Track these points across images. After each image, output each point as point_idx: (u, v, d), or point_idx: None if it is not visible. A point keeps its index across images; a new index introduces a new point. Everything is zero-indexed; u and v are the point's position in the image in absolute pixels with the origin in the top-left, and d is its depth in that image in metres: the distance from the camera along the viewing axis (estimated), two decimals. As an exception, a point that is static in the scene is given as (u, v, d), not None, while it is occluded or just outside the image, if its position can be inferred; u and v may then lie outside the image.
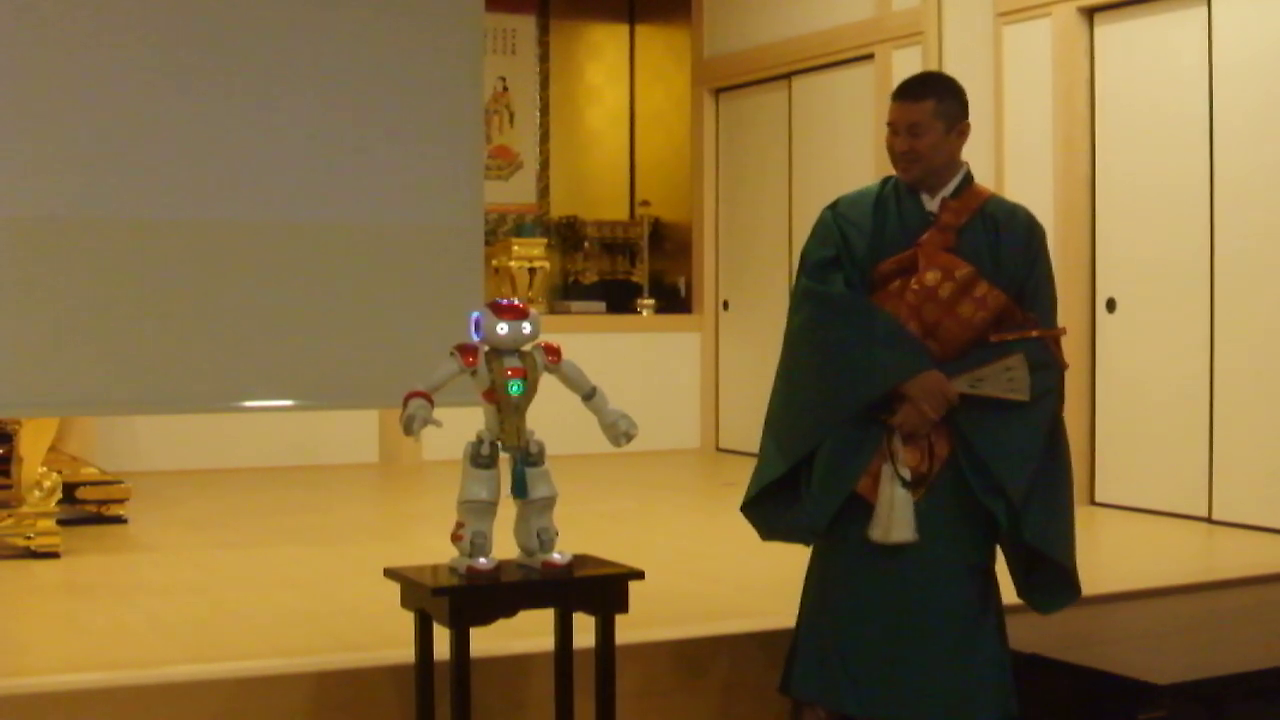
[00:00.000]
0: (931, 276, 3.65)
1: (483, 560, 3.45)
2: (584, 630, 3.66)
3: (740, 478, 3.90)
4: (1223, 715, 3.82)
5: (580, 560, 3.62)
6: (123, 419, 7.86)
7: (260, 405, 6.10)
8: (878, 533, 3.59)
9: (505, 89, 10.21)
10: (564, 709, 3.71)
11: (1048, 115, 7.03)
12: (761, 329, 8.62)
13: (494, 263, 9.30)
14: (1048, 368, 3.68)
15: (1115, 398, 6.86)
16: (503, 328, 3.48)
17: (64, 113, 5.36)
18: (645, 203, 10.23)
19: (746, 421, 8.50)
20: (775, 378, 3.81)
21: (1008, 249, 3.71)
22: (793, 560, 3.88)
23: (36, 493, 5.55)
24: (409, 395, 3.40)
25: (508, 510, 3.55)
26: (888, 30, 8.03)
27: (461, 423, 3.72)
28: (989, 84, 7.21)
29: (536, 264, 9.43)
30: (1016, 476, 3.60)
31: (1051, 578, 3.73)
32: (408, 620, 3.59)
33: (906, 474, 3.60)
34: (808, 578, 3.83)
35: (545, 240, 9.74)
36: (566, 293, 10.11)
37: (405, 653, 3.67)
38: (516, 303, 3.58)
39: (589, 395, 3.61)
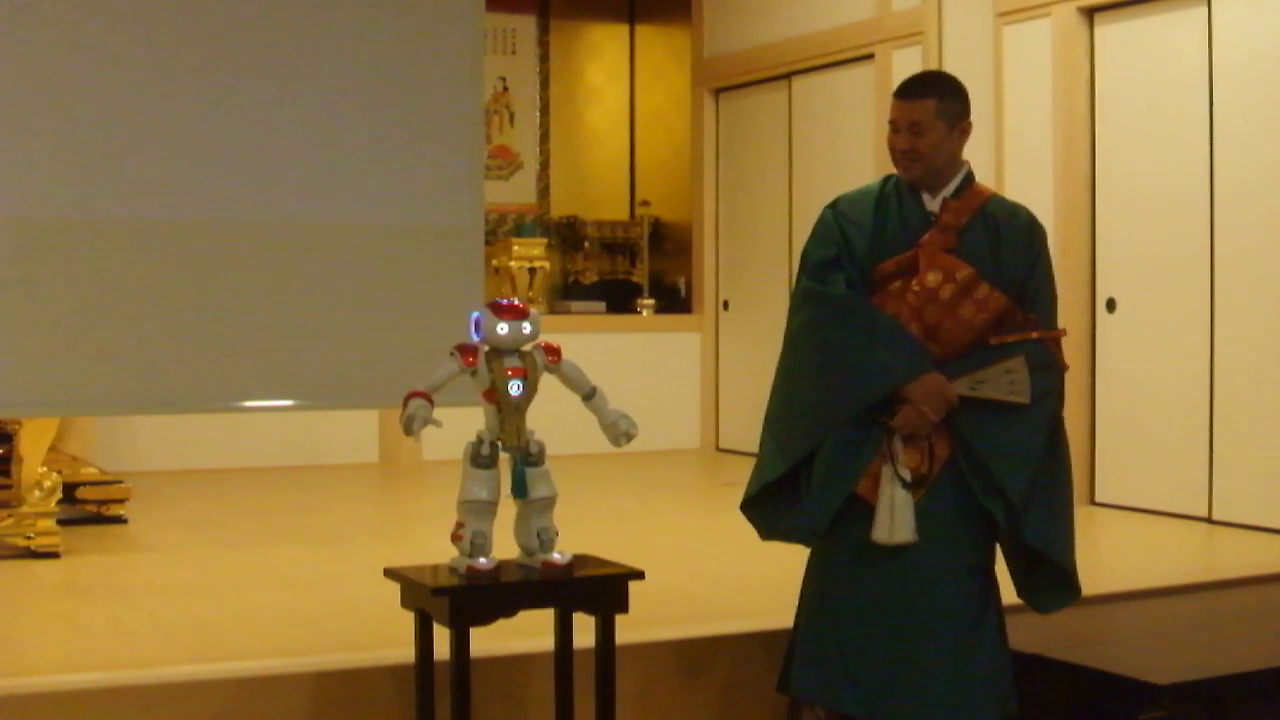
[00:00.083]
0: (933, 278, 3.65)
1: (483, 560, 3.45)
2: (584, 630, 3.66)
3: (740, 478, 3.90)
4: (1223, 715, 3.82)
5: (580, 560, 3.62)
6: (123, 419, 7.86)
7: (260, 405, 6.10)
8: (881, 534, 3.59)
9: (505, 89, 10.21)
10: (564, 709, 3.71)
11: (1048, 115, 7.03)
12: (761, 329, 8.62)
13: (494, 263, 9.30)
14: (1048, 369, 3.68)
15: (1115, 398, 6.86)
16: (503, 328, 3.48)
17: (64, 113, 5.36)
18: (645, 203, 10.23)
19: (746, 421, 8.50)
20: (775, 377, 3.81)
21: (1008, 250, 3.70)
22: (793, 560, 3.88)
23: (36, 493, 5.55)
24: (409, 395, 3.40)
25: (508, 510, 3.55)
26: (888, 30, 8.03)
27: (461, 423, 3.71)
28: (989, 84, 7.21)
29: (536, 264, 9.43)
30: (1016, 477, 3.60)
31: (1051, 578, 3.73)
32: (408, 620, 3.59)
33: (907, 475, 3.60)
34: (806, 577, 3.83)
35: (545, 240, 9.74)
36: (566, 293, 10.11)
37: (405, 653, 3.67)
38: (516, 303, 3.58)
39: (589, 395, 3.61)
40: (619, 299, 9.90)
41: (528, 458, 3.51)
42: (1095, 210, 6.93)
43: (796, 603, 3.84)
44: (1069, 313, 6.69)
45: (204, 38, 5.55)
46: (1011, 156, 7.21)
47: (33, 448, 5.61)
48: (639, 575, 3.60)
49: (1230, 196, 6.35)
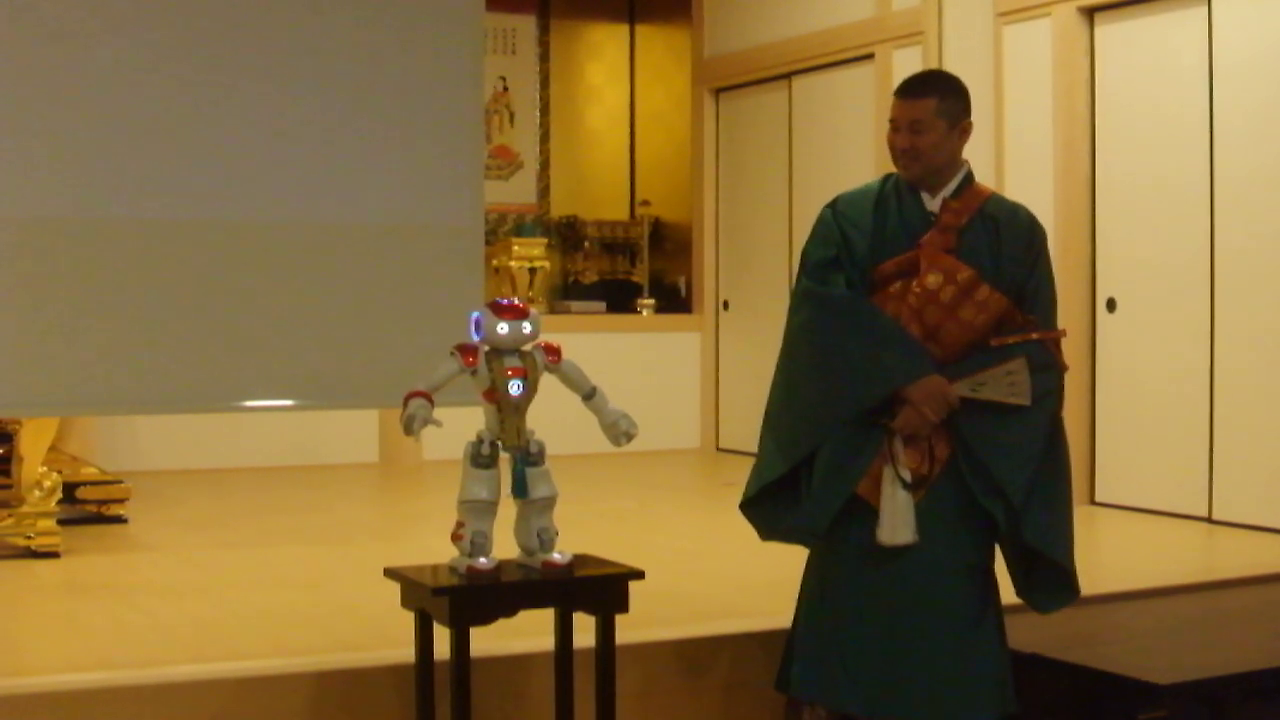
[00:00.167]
0: (933, 279, 3.65)
1: (483, 560, 3.45)
2: (584, 630, 3.66)
3: (740, 478, 3.90)
4: (1223, 715, 3.82)
5: (580, 560, 3.62)
6: (123, 419, 7.86)
7: (260, 405, 6.09)
8: (883, 535, 3.59)
9: (505, 89, 10.21)
10: (564, 709, 3.71)
11: (1048, 115, 7.03)
12: (761, 329, 8.62)
13: (494, 263, 9.31)
14: (1048, 369, 3.68)
15: (1115, 398, 6.86)
16: (503, 327, 3.48)
17: (64, 113, 5.36)
18: (645, 203, 10.23)
19: (746, 421, 8.50)
20: (774, 378, 3.81)
21: (1009, 250, 3.70)
22: (793, 560, 3.88)
23: (37, 492, 5.55)
24: (409, 395, 3.40)
25: (508, 510, 3.55)
26: (888, 30, 8.03)
27: (461, 423, 3.71)
28: (989, 84, 7.21)
29: (536, 264, 9.44)
30: (1016, 477, 3.60)
31: (1051, 578, 3.73)
32: (408, 620, 3.59)
33: (907, 476, 3.60)
34: (806, 577, 3.83)
35: (545, 240, 9.74)
36: (566, 293, 10.11)
37: (405, 653, 3.67)
38: (516, 302, 3.58)
39: (589, 395, 3.61)
40: (619, 299, 9.90)
41: (528, 458, 3.51)
42: (1095, 210, 6.93)
43: (795, 602, 3.84)
44: (1069, 313, 6.69)
45: (204, 38, 5.55)
46: (1011, 156, 7.21)
47: (33, 448, 5.61)
48: (639, 575, 3.60)
49: (1230, 196, 6.35)
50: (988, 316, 3.66)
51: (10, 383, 5.31)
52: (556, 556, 3.52)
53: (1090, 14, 6.93)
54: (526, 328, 3.51)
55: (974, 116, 3.78)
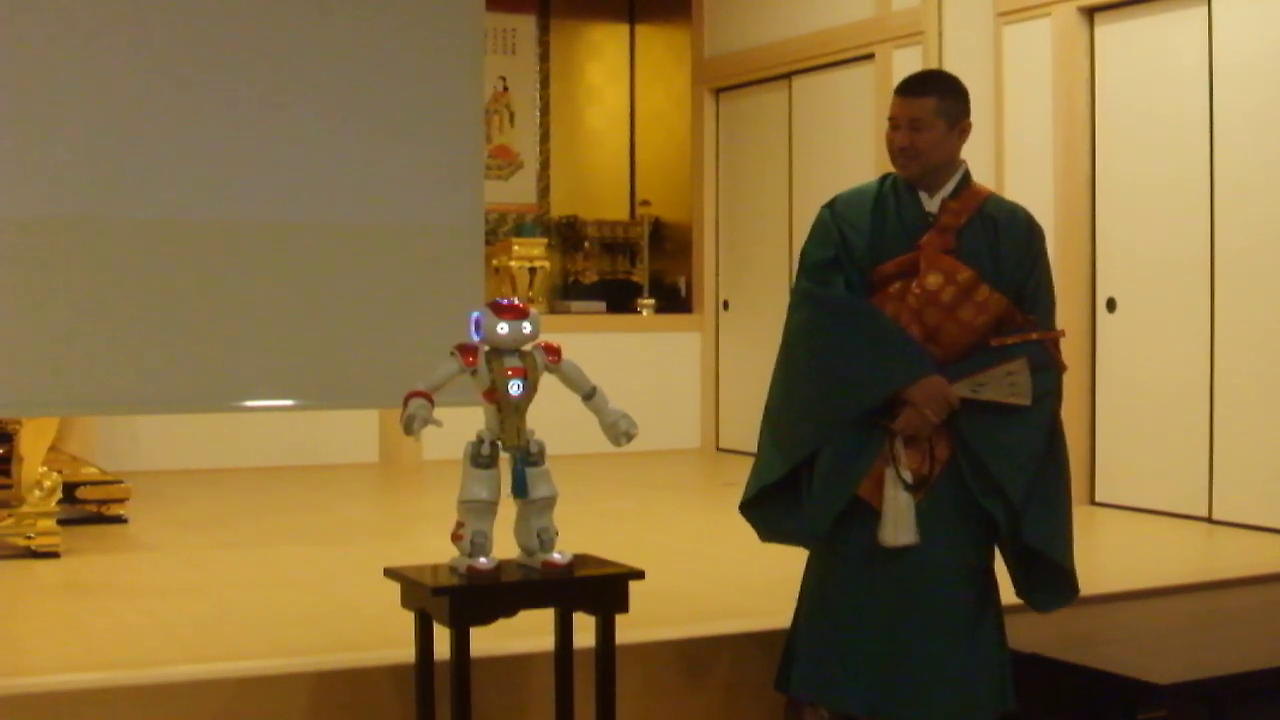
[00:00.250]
0: (933, 280, 3.65)
1: (483, 560, 3.45)
2: (584, 630, 3.66)
3: (740, 478, 3.90)
4: (1223, 715, 3.82)
5: (580, 560, 3.62)
6: (123, 419, 7.86)
7: (260, 405, 6.10)
8: (886, 536, 3.59)
9: (505, 89, 10.21)
10: (564, 709, 3.71)
11: (1048, 115, 7.03)
12: (761, 329, 8.62)
13: (494, 263, 9.30)
14: (1047, 370, 3.68)
15: (1115, 398, 6.86)
16: (503, 327, 3.48)
17: (64, 113, 5.36)
18: (645, 203, 10.23)
19: (746, 421, 8.50)
20: (773, 379, 3.81)
21: (1008, 250, 3.70)
22: (793, 560, 3.88)
23: (37, 492, 5.55)
24: (409, 395, 3.40)
25: (508, 510, 3.55)
26: (888, 30, 8.03)
27: (461, 423, 3.71)
28: (989, 84, 7.21)
29: (536, 264, 9.43)
30: (1016, 478, 3.60)
31: (1050, 577, 3.73)
32: (408, 620, 3.59)
33: (909, 477, 3.60)
34: (806, 578, 3.83)
35: (545, 240, 9.74)
36: (566, 293, 10.11)
37: (405, 653, 3.67)
38: (516, 302, 3.58)
39: (589, 395, 3.61)
40: (619, 299, 9.90)
41: (528, 458, 3.50)
42: (1095, 210, 6.93)
43: (795, 602, 3.84)
44: (1069, 313, 6.70)
45: (204, 38, 5.55)
46: (1011, 156, 7.21)
47: (33, 448, 5.61)
48: (639, 575, 3.60)
49: (1230, 196, 6.35)
50: (988, 317, 3.66)
51: (10, 383, 5.31)
52: (556, 556, 3.52)
53: (1090, 14, 6.93)
54: (526, 328, 3.51)
55: (974, 116, 3.78)
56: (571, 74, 10.45)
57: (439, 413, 3.40)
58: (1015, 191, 6.80)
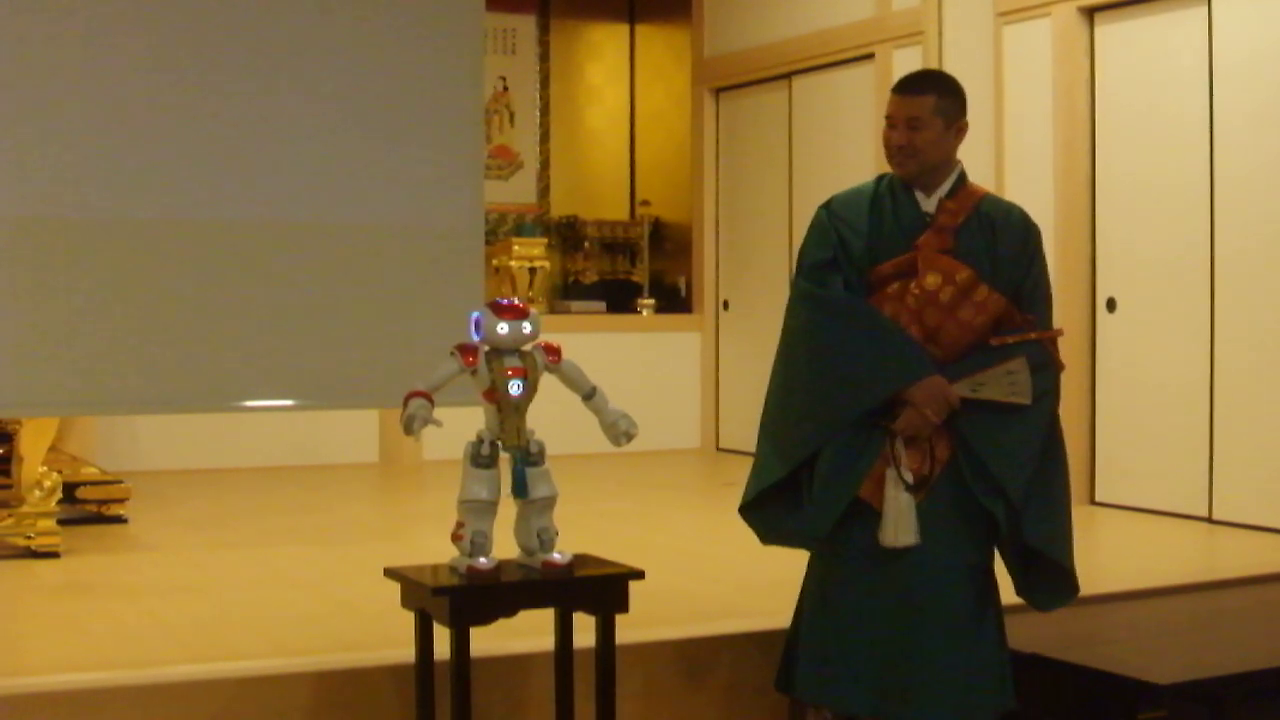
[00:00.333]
0: (932, 280, 3.65)
1: (483, 560, 3.45)
2: (584, 630, 3.66)
3: (740, 478, 3.90)
4: (1223, 715, 3.82)
5: (580, 560, 3.62)
6: (123, 419, 7.86)
7: (260, 405, 6.10)
8: (886, 537, 3.59)
9: (505, 89, 10.21)
10: (564, 709, 3.71)
11: (1048, 115, 7.03)
12: (761, 329, 8.62)
13: (494, 263, 9.30)
14: (1046, 369, 3.68)
15: (1115, 398, 6.86)
16: (503, 327, 3.48)
17: (64, 113, 5.36)
18: (645, 203, 10.23)
19: (746, 421, 8.49)
20: (771, 380, 3.80)
21: (1005, 250, 3.70)
22: (793, 560, 3.88)
23: (37, 492, 5.55)
24: (409, 395, 3.40)
25: (508, 510, 3.55)
26: (888, 30, 8.03)
27: (461, 423, 3.71)
28: (989, 84, 7.21)
29: (536, 264, 9.44)
30: (1016, 477, 3.60)
31: (1050, 576, 3.73)
32: (408, 620, 3.59)
33: (909, 477, 3.60)
34: (806, 579, 3.83)
35: (545, 240, 9.74)
36: (566, 293, 10.11)
37: (405, 653, 3.67)
38: (516, 302, 3.58)
39: (589, 395, 3.61)
40: (619, 299, 9.90)
41: (528, 458, 3.50)
42: (1095, 210, 6.93)
43: (795, 603, 3.84)
44: (1069, 312, 6.70)
45: (204, 38, 5.55)
46: (1011, 156, 7.21)
47: (33, 448, 5.61)
48: (639, 575, 3.60)
49: (1230, 196, 6.35)
50: (987, 317, 3.66)
51: (10, 383, 5.31)
52: (556, 556, 3.52)
53: (1090, 14, 6.93)
54: (526, 328, 3.51)
55: (973, 117, 3.78)
56: (571, 74, 10.45)
57: (439, 413, 3.40)
58: (1015, 191, 6.81)
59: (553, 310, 9.59)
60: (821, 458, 3.64)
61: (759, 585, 4.91)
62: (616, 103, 10.55)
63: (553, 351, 3.57)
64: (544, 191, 10.33)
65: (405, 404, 3.39)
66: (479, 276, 6.07)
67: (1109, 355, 6.89)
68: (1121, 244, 6.84)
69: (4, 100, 5.28)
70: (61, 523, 5.64)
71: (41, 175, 5.33)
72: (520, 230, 9.79)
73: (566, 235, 10.21)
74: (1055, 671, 3.90)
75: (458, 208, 5.93)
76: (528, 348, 3.54)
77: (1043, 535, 3.64)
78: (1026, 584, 3.76)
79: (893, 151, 3.72)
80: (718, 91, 9.59)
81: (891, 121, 3.71)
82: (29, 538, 5.50)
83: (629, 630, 3.73)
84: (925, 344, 3.65)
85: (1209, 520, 6.41)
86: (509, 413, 3.48)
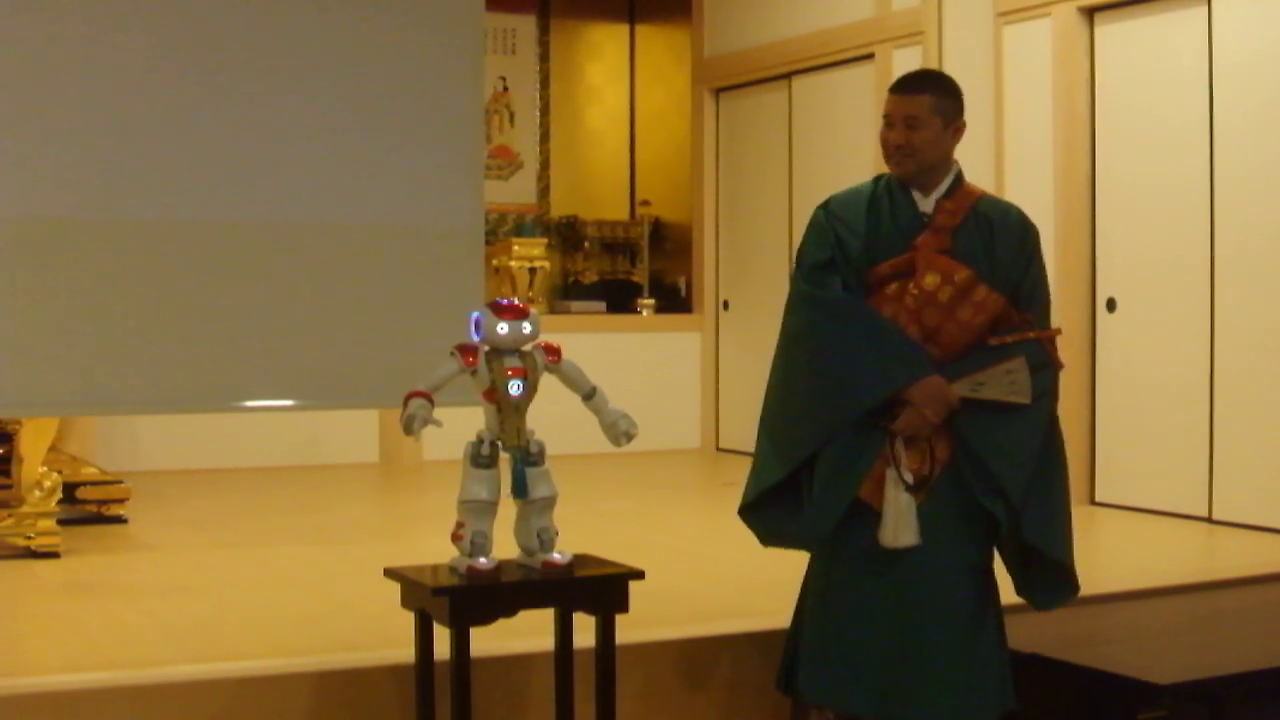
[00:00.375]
0: (930, 280, 3.65)
1: (483, 560, 3.45)
2: (584, 630, 3.66)
3: (740, 478, 3.90)
4: (1223, 715, 3.82)
5: (580, 560, 3.62)
6: (123, 419, 7.86)
7: (260, 405, 6.10)
8: (887, 537, 3.59)
9: (505, 89, 10.21)
10: (564, 709, 3.71)
11: (1048, 115, 7.03)
12: (761, 329, 8.61)
13: (494, 263, 9.30)
14: (1045, 368, 3.68)
15: (1115, 398, 6.86)
16: (503, 327, 3.48)
17: (64, 112, 5.37)
18: (645, 202, 10.23)
19: (746, 421, 8.48)
20: (769, 381, 3.80)
21: (1003, 250, 3.70)
22: (793, 560, 3.88)
23: (37, 492, 5.55)
24: (409, 395, 3.40)
25: (508, 510, 3.55)
26: (888, 30, 8.03)
27: (461, 423, 3.71)
28: (989, 84, 7.21)
29: (536, 264, 9.43)
30: (1016, 476, 3.60)
31: (1050, 575, 3.73)
32: (408, 620, 3.59)
33: (909, 478, 3.60)
34: (807, 580, 3.83)
35: (545, 240, 9.74)
36: (566, 293, 10.11)
37: (405, 653, 3.67)
38: (516, 302, 3.58)
39: (589, 395, 3.61)
40: (619, 299, 9.90)
41: (528, 458, 3.50)
42: (1095, 210, 6.93)
43: (795, 603, 3.84)
44: (1069, 312, 6.71)
45: (204, 38, 5.56)
46: (1011, 156, 7.21)
47: (33, 448, 5.61)
48: (639, 575, 3.60)
49: (1230, 196, 6.35)
50: (985, 316, 3.66)
51: (10, 383, 5.31)
52: (556, 556, 3.52)
53: (1090, 14, 6.93)
54: (526, 328, 3.51)
55: (973, 117, 3.78)
56: (571, 74, 10.45)
57: (439, 413, 3.40)
58: (1015, 191, 6.81)
59: (553, 310, 9.59)
60: (821, 459, 3.64)
61: (759, 585, 4.91)
62: (616, 103, 10.55)
63: (553, 351, 3.57)
64: (544, 191, 10.33)
65: (405, 404, 3.39)
66: (479, 276, 6.08)
67: (1109, 355, 6.89)
68: (1121, 244, 6.84)
69: (4, 100, 5.28)
70: (61, 523, 5.64)
71: (41, 175, 5.33)
72: (520, 230, 9.79)
73: (566, 235, 10.21)
74: (1055, 671, 3.90)
75: (458, 208, 5.93)
76: (528, 348, 3.54)
77: (1042, 534, 3.64)
78: (1026, 583, 3.76)
79: (890, 151, 3.72)
80: (718, 91, 9.59)
81: (889, 121, 3.72)
82: (29, 538, 5.50)
83: (629, 630, 3.73)
84: (924, 344, 3.65)
85: (1209, 520, 6.41)
86: (509, 413, 3.48)
